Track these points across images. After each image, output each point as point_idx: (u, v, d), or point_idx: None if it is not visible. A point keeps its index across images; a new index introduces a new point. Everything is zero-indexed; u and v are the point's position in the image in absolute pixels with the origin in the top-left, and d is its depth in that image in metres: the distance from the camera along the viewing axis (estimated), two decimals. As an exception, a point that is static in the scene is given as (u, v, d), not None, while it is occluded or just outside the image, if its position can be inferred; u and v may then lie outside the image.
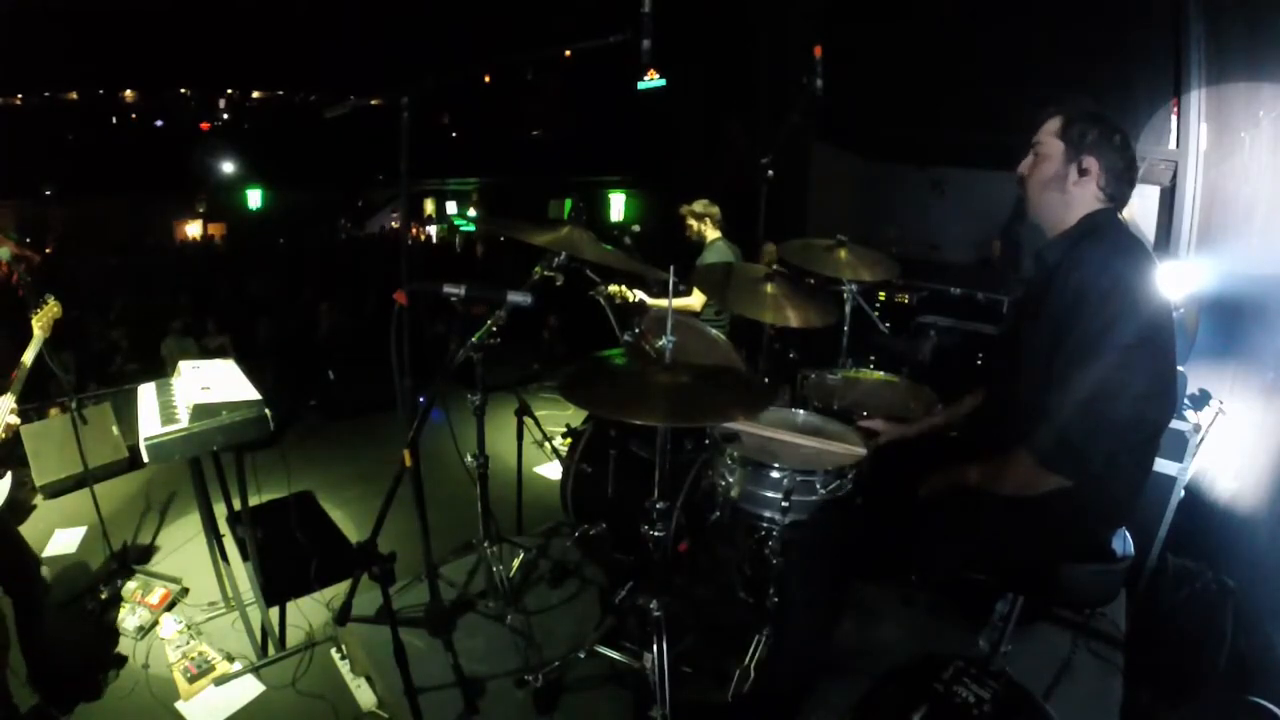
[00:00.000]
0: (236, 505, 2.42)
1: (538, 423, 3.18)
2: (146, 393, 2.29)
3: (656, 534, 1.80)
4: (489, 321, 2.04)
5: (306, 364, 5.36)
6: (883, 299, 4.85)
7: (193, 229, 16.81)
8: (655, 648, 1.82)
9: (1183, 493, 2.50)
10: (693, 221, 4.24)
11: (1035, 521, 1.56)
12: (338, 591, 2.61)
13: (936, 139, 4.80)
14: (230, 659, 2.30)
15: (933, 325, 2.56)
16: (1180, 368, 2.51)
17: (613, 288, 3.00)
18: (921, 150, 5.05)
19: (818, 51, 2.39)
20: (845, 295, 2.93)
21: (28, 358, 2.19)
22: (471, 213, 18.47)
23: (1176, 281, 2.73)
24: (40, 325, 2.29)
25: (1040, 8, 4.04)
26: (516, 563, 2.73)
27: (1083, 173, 1.52)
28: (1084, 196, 1.53)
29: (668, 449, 1.83)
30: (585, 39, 1.80)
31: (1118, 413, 1.36)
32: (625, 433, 2.51)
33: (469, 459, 2.44)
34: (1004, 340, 1.77)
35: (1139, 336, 1.35)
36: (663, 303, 2.42)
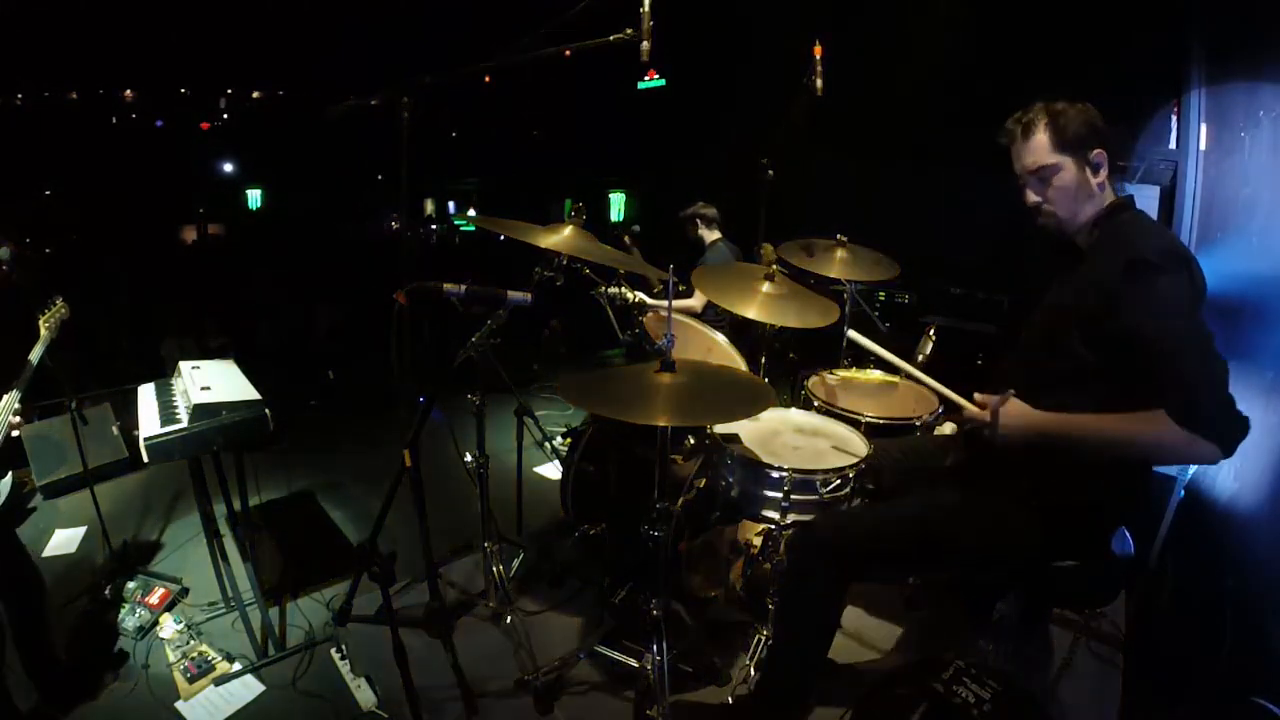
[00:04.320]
0: (236, 505, 2.42)
1: (538, 423, 3.18)
2: (146, 393, 2.29)
3: (656, 534, 1.80)
4: (489, 321, 2.04)
5: (306, 364, 5.36)
6: (883, 299, 4.85)
7: (192, 229, 16.80)
8: (655, 648, 1.82)
9: (1183, 493, 2.50)
10: (691, 225, 4.24)
11: (1036, 521, 1.56)
12: (338, 591, 2.61)
13: (936, 139, 4.80)
14: (230, 659, 2.30)
15: (933, 325, 2.57)
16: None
17: (613, 289, 3.00)
18: (922, 150, 5.05)
19: (818, 51, 2.39)
20: (845, 295, 2.93)
21: (34, 359, 2.18)
22: (471, 213, 18.48)
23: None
24: (47, 326, 2.28)
25: (1040, 7, 4.04)
26: (516, 563, 2.73)
27: (1097, 170, 1.53)
28: (1103, 184, 1.55)
29: (668, 449, 1.83)
30: (585, 39, 1.80)
31: (1226, 370, 1.36)
32: (625, 432, 2.51)
33: (469, 459, 2.44)
34: (1023, 323, 1.75)
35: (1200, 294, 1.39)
36: (663, 303, 2.42)
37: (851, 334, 2.01)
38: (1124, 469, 1.53)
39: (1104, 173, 1.53)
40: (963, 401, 1.67)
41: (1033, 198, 1.59)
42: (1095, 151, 1.52)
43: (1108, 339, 1.44)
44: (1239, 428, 1.36)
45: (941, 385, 1.76)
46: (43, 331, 2.26)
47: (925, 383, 1.80)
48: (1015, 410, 1.54)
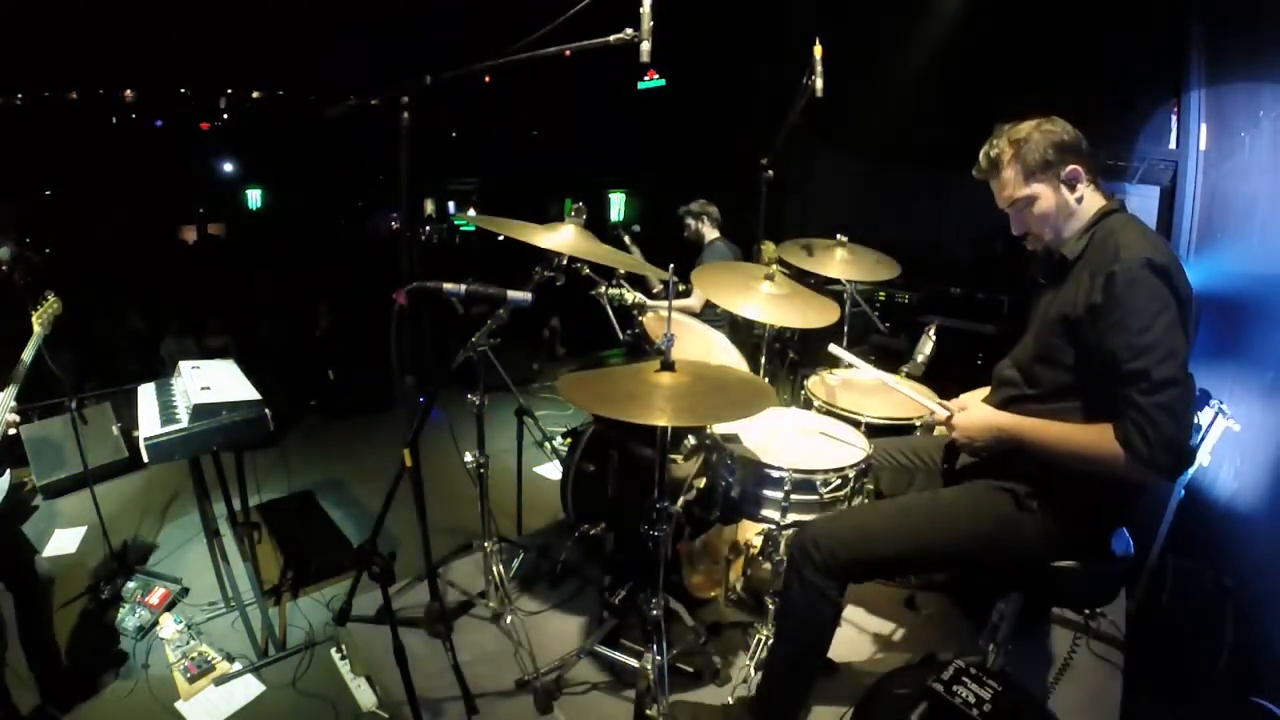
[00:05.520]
0: (236, 505, 2.42)
1: (537, 423, 3.18)
2: (146, 393, 2.29)
3: (656, 534, 1.80)
4: (489, 321, 2.04)
5: (306, 364, 5.36)
6: (883, 299, 4.85)
7: (192, 229, 16.80)
8: (655, 648, 1.82)
9: (1183, 493, 2.50)
10: (691, 221, 4.24)
11: (1035, 521, 1.56)
12: (338, 591, 2.61)
13: (937, 139, 4.81)
14: (230, 659, 2.30)
15: (933, 325, 2.58)
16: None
17: (613, 290, 3.00)
18: (922, 150, 5.06)
19: (818, 52, 2.39)
20: (845, 295, 2.93)
21: (27, 355, 2.19)
22: (471, 213, 18.49)
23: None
24: (40, 322, 2.29)
25: (1040, 8, 4.04)
26: (516, 563, 2.73)
27: (1074, 185, 1.52)
28: (1087, 196, 1.54)
29: (668, 449, 1.83)
30: (585, 39, 1.80)
31: (1188, 395, 1.35)
32: (625, 432, 2.51)
33: (469, 459, 2.44)
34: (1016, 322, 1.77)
35: (1180, 316, 1.36)
36: (663, 303, 2.42)
37: (833, 348, 2.09)
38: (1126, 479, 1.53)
39: (1082, 186, 1.52)
40: (928, 404, 1.79)
41: (1018, 228, 1.60)
42: (1068, 169, 1.50)
43: (1090, 352, 1.44)
44: (1183, 463, 1.40)
45: (913, 392, 1.88)
46: (36, 328, 2.26)
47: (902, 390, 1.91)
48: (975, 413, 1.63)
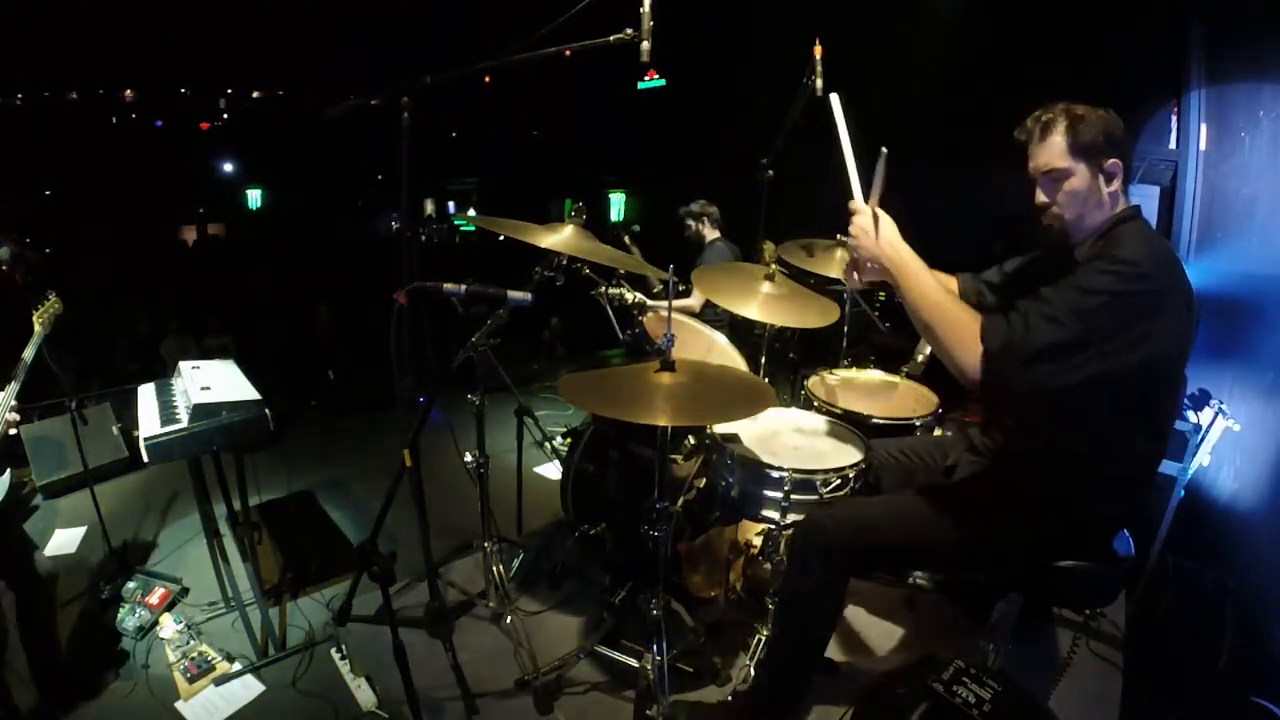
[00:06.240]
0: (236, 505, 2.42)
1: (538, 423, 3.18)
2: (146, 393, 2.29)
3: (656, 534, 1.80)
4: (489, 321, 2.04)
5: (306, 364, 5.36)
6: (883, 299, 4.85)
7: (192, 229, 16.82)
8: (655, 648, 1.82)
9: (1182, 493, 2.50)
10: (691, 221, 4.25)
11: (1035, 521, 1.56)
12: (338, 591, 2.61)
13: (937, 138, 4.80)
14: (230, 659, 2.30)
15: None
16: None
17: (613, 290, 3.00)
18: (922, 150, 5.06)
19: (818, 52, 2.39)
20: (845, 295, 2.93)
21: (28, 354, 2.18)
22: (471, 213, 18.53)
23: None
24: (41, 322, 2.29)
25: (1040, 8, 4.04)
26: (516, 563, 2.73)
27: (1111, 179, 1.51)
28: (1115, 194, 1.53)
29: (668, 449, 1.83)
30: (585, 39, 1.80)
31: (1072, 349, 1.33)
32: (625, 432, 2.51)
33: (469, 459, 2.44)
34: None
35: (1142, 310, 1.34)
36: (663, 303, 2.42)
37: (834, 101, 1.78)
38: (1127, 482, 1.54)
39: (1117, 183, 1.51)
40: (859, 196, 1.64)
41: (1041, 198, 1.57)
42: (1110, 161, 1.49)
43: None
44: (1013, 380, 1.35)
45: (854, 171, 1.69)
46: (36, 327, 2.26)
47: (849, 169, 1.70)
48: (891, 230, 1.54)
